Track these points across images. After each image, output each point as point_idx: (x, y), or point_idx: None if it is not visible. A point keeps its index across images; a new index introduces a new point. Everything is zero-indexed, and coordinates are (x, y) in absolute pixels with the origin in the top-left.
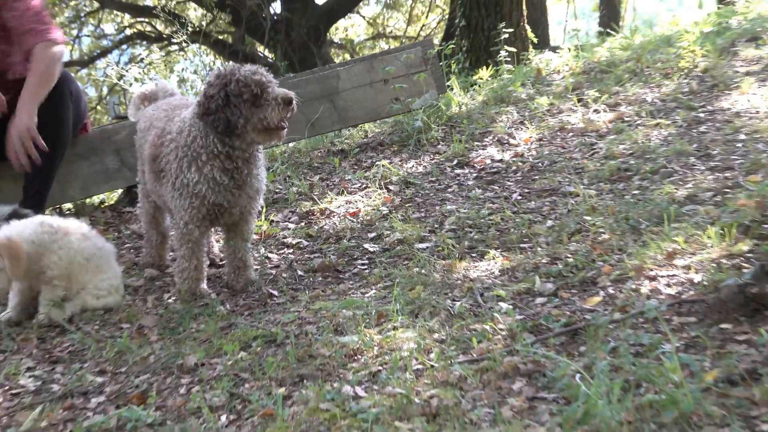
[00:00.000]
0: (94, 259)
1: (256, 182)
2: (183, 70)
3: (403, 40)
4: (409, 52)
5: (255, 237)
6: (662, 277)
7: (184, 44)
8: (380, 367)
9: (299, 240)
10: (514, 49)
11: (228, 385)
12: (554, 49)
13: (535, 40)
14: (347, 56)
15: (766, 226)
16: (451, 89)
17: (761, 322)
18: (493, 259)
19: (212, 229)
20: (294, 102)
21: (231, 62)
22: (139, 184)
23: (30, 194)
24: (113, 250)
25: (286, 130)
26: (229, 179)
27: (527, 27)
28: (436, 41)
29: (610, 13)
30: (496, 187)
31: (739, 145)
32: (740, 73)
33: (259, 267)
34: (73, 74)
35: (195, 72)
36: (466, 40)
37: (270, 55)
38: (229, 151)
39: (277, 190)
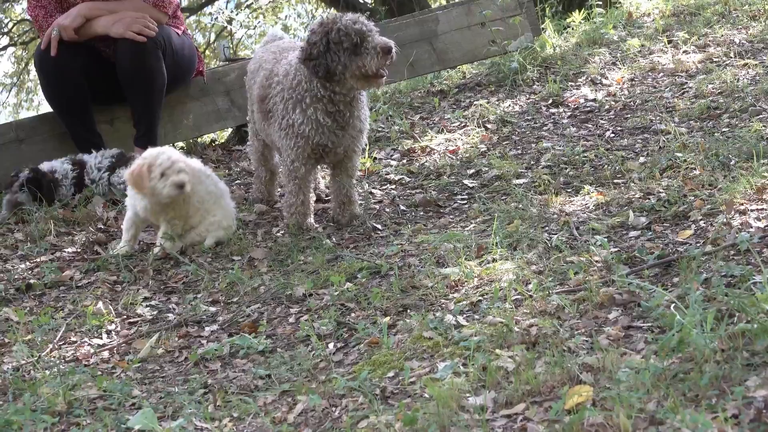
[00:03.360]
0: (208, 200)
1: (358, 123)
2: (286, 17)
3: None
4: None
5: (359, 173)
6: (752, 210)
7: None
8: (481, 298)
9: (401, 176)
10: None
11: (335, 315)
12: None
13: None
14: (443, 1)
15: None
16: (546, 32)
17: None
18: (588, 194)
19: (318, 166)
20: (393, 51)
21: (332, 9)
22: (249, 123)
23: (141, 134)
24: (226, 189)
25: (384, 77)
26: (332, 121)
27: None
28: None
29: None
30: (590, 126)
31: None
32: None
33: (363, 202)
34: (185, 23)
35: (298, 16)
36: None
37: (369, 1)
38: (331, 95)
39: (379, 129)
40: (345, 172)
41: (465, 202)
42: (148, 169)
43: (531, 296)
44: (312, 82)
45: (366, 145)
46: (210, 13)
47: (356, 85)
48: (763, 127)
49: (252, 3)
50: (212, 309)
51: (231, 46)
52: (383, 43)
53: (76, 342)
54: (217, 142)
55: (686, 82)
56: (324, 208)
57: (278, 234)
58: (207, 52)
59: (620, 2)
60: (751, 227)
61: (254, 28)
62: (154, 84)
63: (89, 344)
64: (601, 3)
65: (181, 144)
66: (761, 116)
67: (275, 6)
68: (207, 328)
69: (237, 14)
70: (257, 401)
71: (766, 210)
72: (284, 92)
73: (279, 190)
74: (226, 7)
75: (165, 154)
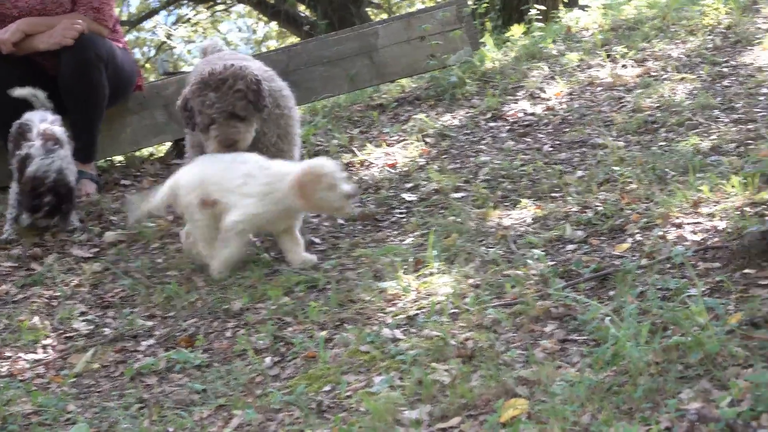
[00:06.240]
0: None
1: (276, 144)
2: (228, 31)
3: (438, 0)
4: (445, 11)
5: None
6: (688, 224)
7: (228, 3)
8: (418, 311)
9: None
10: (543, 8)
11: (272, 329)
12: (583, 8)
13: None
14: (384, 15)
15: None
16: (485, 46)
17: None
18: (526, 207)
19: None
20: (233, 144)
21: (273, 23)
22: (187, 135)
23: (80, 147)
24: None
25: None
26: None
27: None
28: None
29: None
30: (529, 139)
31: (762, 98)
32: (762, 29)
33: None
34: (125, 39)
35: (239, 30)
36: None
37: (311, 15)
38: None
39: (318, 143)
40: None
41: (403, 216)
42: (316, 179)
43: (468, 310)
44: None
45: (303, 156)
46: (152, 28)
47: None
48: (700, 141)
49: (191, 18)
50: (149, 323)
51: (170, 60)
52: (223, 136)
53: (11, 357)
54: (155, 156)
55: (624, 96)
56: None
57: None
58: (147, 66)
59: (559, 17)
60: (687, 241)
61: (199, 38)
62: (97, 97)
63: (24, 359)
64: (540, 17)
65: (119, 158)
66: (697, 130)
67: (215, 21)
68: (143, 343)
69: (176, 29)
70: (193, 416)
71: (701, 223)
72: None
73: None
74: (165, 22)
75: (331, 163)
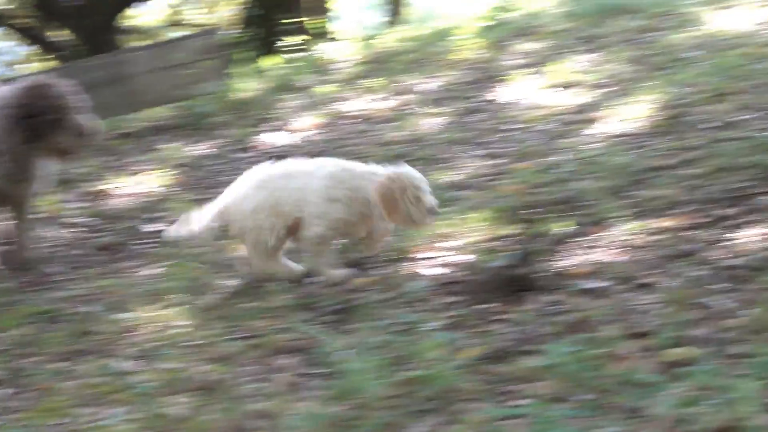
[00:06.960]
0: None
1: (39, 171)
2: None
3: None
4: (198, 40)
5: (39, 216)
6: (430, 258)
7: None
8: (155, 343)
9: (86, 219)
10: (306, 37)
11: (6, 360)
12: (340, 40)
13: (323, 31)
14: (140, 43)
15: (528, 211)
16: (238, 76)
17: (520, 303)
18: None
19: None
20: (92, 133)
21: (35, 47)
22: None
23: None
24: None
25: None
26: (11, 172)
27: (315, 17)
28: (232, 31)
29: (393, 7)
30: None
31: (509, 134)
32: (512, 65)
33: (40, 245)
34: None
35: None
36: (256, 28)
37: (67, 39)
38: (15, 151)
39: (65, 171)
40: (20, 215)
41: (148, 246)
42: (400, 190)
43: (207, 342)
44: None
45: (48, 187)
46: None
47: (50, 156)
48: (447, 175)
49: None
50: None
51: None
52: (92, 125)
53: None
54: None
55: (376, 129)
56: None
57: None
58: None
59: (317, 48)
60: (429, 274)
61: None
62: None
63: None
64: (303, 46)
65: None
66: (446, 164)
67: None
68: None
69: None
70: None
71: (443, 257)
72: None
73: None
74: None
75: (416, 175)
